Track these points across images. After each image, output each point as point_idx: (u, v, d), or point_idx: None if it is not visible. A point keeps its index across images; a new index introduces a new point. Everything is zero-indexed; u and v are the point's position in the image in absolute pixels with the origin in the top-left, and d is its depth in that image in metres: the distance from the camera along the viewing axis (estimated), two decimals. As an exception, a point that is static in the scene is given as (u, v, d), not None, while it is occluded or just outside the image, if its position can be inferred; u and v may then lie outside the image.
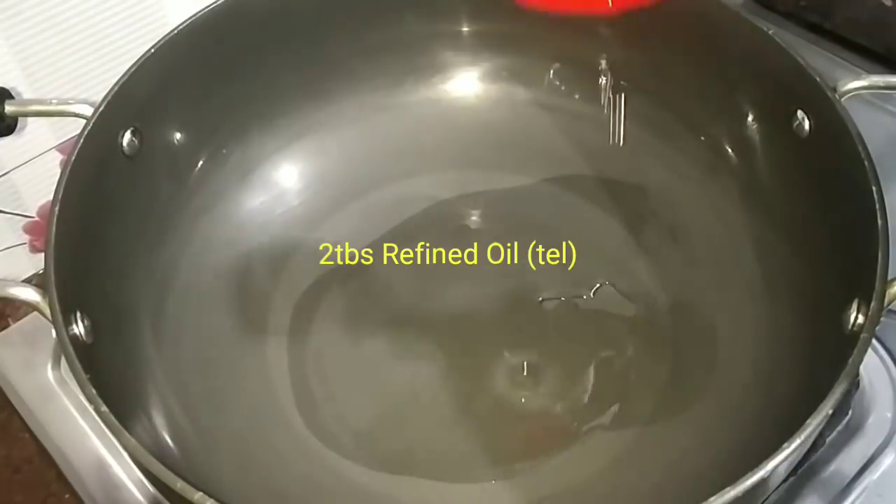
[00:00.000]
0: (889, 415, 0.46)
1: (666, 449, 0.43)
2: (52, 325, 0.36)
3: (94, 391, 0.34)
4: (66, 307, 0.36)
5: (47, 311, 0.36)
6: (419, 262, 0.51)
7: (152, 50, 0.44)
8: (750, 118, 0.49)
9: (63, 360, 0.47)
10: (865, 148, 0.39)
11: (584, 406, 0.45)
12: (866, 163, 0.38)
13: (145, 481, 0.44)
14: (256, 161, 0.53)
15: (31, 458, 0.49)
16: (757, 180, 0.49)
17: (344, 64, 0.53)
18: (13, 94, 0.45)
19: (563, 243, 0.51)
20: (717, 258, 0.49)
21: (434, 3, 0.53)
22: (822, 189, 0.43)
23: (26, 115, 0.45)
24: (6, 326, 0.53)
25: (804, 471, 0.43)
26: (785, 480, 0.42)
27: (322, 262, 0.50)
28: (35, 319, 0.38)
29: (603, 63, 0.52)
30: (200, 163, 0.50)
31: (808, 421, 0.32)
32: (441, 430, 0.45)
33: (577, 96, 0.55)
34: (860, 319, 0.36)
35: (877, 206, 0.37)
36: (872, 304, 0.35)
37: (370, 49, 0.53)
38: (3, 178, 0.52)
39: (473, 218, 0.53)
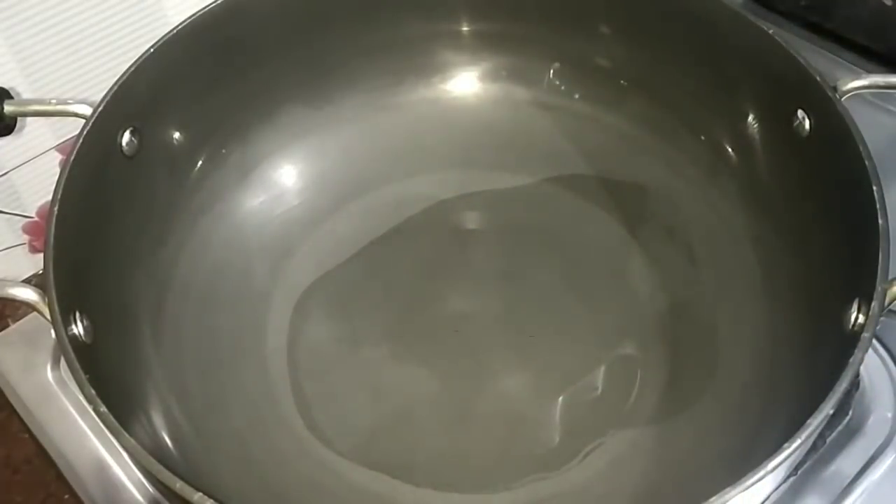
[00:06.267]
0: (889, 415, 0.46)
1: (666, 449, 0.43)
2: (51, 326, 0.36)
3: (93, 391, 0.34)
4: (66, 307, 0.36)
5: (46, 312, 0.36)
6: (419, 262, 0.51)
7: (152, 50, 0.44)
8: (750, 118, 0.48)
9: (62, 361, 0.47)
10: (866, 147, 0.39)
11: (585, 407, 0.45)
12: (867, 162, 0.38)
13: (145, 482, 0.44)
14: (256, 161, 0.52)
15: (31, 458, 0.48)
16: (757, 180, 0.49)
17: (344, 64, 0.53)
18: (13, 94, 0.45)
19: (563, 244, 0.51)
20: (717, 258, 0.49)
21: (434, 3, 0.53)
22: (822, 188, 0.43)
23: (26, 115, 0.45)
24: (6, 326, 0.53)
25: (804, 471, 0.43)
26: (785, 480, 0.42)
27: (322, 261, 0.50)
28: (35, 319, 0.38)
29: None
30: (200, 163, 0.50)
31: (808, 421, 0.32)
32: (441, 430, 0.45)
33: (577, 96, 0.55)
34: (860, 319, 0.36)
35: (877, 205, 0.37)
36: (873, 303, 0.35)
37: (370, 49, 0.53)
38: (2, 178, 0.52)
39: (473, 218, 0.53)
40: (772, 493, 0.41)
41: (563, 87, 0.55)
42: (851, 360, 0.33)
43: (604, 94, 0.54)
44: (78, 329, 0.37)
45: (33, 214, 0.55)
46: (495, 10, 0.53)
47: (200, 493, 0.31)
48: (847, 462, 0.44)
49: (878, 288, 0.35)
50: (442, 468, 0.43)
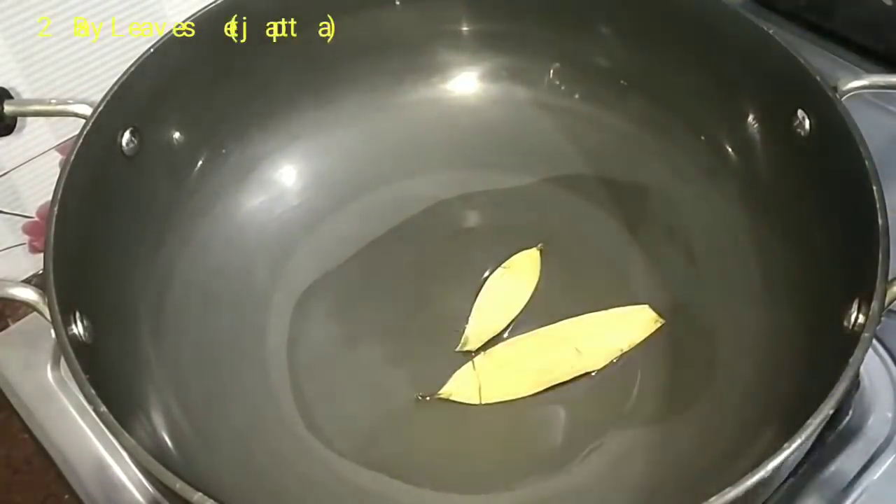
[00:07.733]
0: (889, 415, 0.46)
1: (666, 449, 0.43)
2: (51, 326, 0.36)
3: (93, 391, 0.34)
4: (66, 307, 0.36)
5: (46, 312, 0.36)
6: (419, 262, 0.51)
7: (151, 50, 0.44)
8: (750, 118, 0.48)
9: (62, 361, 0.47)
10: (866, 147, 0.39)
11: (585, 407, 0.45)
12: (867, 162, 0.38)
13: (145, 482, 0.44)
14: (256, 161, 0.52)
15: (31, 458, 0.49)
16: (757, 180, 0.49)
17: (344, 64, 0.53)
18: (13, 94, 0.45)
19: (563, 244, 0.51)
20: (717, 258, 0.49)
21: (434, 3, 0.53)
22: (822, 188, 0.43)
23: (26, 115, 0.45)
24: (6, 326, 0.53)
25: (805, 471, 0.43)
26: (785, 481, 0.42)
27: (322, 261, 0.50)
28: (35, 319, 0.38)
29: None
30: (200, 163, 0.50)
31: (808, 421, 0.32)
32: (441, 430, 0.45)
33: (577, 96, 0.55)
34: (861, 319, 0.36)
35: (877, 205, 0.37)
36: (873, 303, 0.35)
37: (370, 49, 0.53)
38: (2, 178, 0.52)
39: (473, 218, 0.53)
40: (772, 493, 0.41)
41: (563, 87, 0.55)
42: (851, 360, 0.33)
43: (604, 94, 0.54)
44: (78, 329, 0.37)
45: (33, 214, 0.55)
46: (495, 10, 0.53)
47: (200, 493, 0.31)
48: (847, 462, 0.44)
49: (879, 288, 0.35)
50: (442, 468, 0.43)
